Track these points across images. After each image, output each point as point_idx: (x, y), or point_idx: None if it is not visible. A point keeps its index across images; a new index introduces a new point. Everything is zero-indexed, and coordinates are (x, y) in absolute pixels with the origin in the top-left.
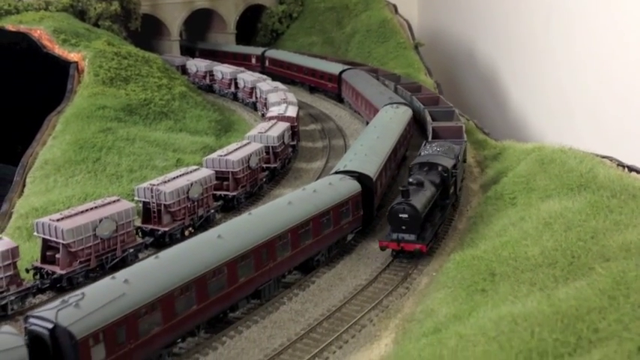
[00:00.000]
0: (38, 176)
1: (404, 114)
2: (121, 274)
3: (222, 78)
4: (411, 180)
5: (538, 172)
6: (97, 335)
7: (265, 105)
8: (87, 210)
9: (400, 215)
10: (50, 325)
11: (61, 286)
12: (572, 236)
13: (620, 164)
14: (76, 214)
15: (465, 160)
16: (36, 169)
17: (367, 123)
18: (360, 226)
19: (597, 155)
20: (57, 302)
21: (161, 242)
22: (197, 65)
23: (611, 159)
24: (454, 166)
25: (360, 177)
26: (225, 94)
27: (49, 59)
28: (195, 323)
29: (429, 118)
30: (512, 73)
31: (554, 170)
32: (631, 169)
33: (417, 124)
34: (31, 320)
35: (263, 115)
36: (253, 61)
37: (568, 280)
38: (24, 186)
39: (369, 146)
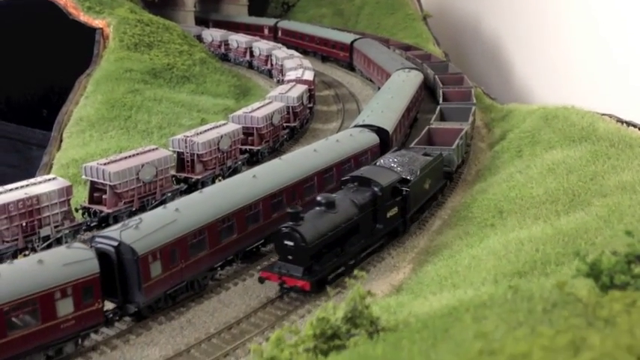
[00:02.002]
0: (74, 132)
1: (415, 77)
2: (172, 205)
3: (238, 47)
4: (319, 199)
5: (542, 127)
6: (155, 253)
7: (281, 71)
8: (130, 156)
9: (285, 242)
10: (115, 243)
11: (108, 224)
12: (573, 178)
13: (619, 120)
14: (120, 159)
15: (474, 122)
16: (71, 125)
17: (379, 88)
18: None
19: (597, 113)
20: (119, 225)
21: (194, 190)
22: (212, 35)
23: (610, 115)
24: (405, 184)
25: (378, 130)
26: (241, 62)
27: (74, 26)
28: (235, 251)
29: (439, 83)
30: (515, 43)
31: (557, 125)
32: (629, 124)
33: (427, 90)
34: (97, 239)
35: (278, 81)
36: (266, 31)
37: (569, 212)
38: (61, 141)
39: (384, 104)
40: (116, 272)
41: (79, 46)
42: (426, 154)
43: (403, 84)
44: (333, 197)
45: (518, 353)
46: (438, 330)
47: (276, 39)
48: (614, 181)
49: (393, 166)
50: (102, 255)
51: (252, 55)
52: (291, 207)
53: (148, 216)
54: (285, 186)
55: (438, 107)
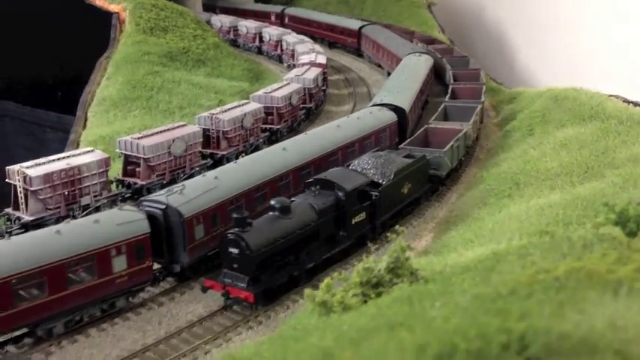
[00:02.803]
0: (99, 111)
1: (426, 61)
2: (211, 173)
3: (247, 32)
4: (272, 203)
5: (552, 107)
6: (198, 217)
7: (292, 56)
8: (162, 131)
9: (230, 250)
10: (163, 206)
11: (141, 196)
12: (585, 152)
13: (625, 100)
14: (153, 134)
15: (479, 121)
16: (95, 105)
17: (388, 73)
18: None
19: (604, 94)
20: (164, 191)
21: (219, 165)
22: (222, 21)
23: (617, 97)
24: (376, 188)
25: (395, 109)
26: (250, 47)
27: (89, 10)
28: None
29: (447, 66)
30: (518, 28)
31: (567, 105)
32: (636, 103)
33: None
34: (145, 203)
35: (289, 66)
36: (273, 18)
37: (584, 182)
38: (86, 119)
39: (399, 85)
40: (163, 234)
41: (93, 30)
42: (409, 156)
43: (415, 67)
44: (288, 202)
45: (573, 269)
46: (483, 270)
47: (283, 26)
48: (625, 154)
49: (366, 167)
50: (150, 218)
51: (261, 40)
52: (237, 212)
53: (190, 183)
54: (312, 159)
55: (442, 105)
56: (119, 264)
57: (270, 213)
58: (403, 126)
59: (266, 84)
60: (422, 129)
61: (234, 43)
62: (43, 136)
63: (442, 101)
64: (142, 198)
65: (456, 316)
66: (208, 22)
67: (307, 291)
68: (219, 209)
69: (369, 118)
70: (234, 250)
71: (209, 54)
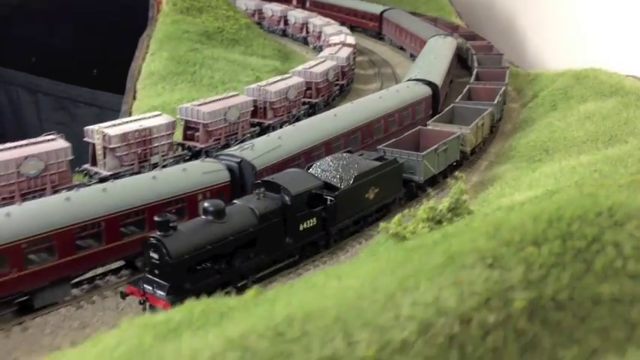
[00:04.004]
0: (147, 84)
1: (451, 43)
2: (274, 134)
3: (272, 15)
4: (206, 205)
5: (574, 84)
6: (267, 169)
7: (318, 38)
8: (218, 99)
9: (151, 254)
10: (238, 160)
11: (199, 158)
12: (608, 123)
13: None
14: (210, 102)
15: (486, 125)
16: (143, 78)
17: (411, 55)
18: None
19: (621, 73)
20: (236, 147)
21: (265, 133)
22: (246, 4)
23: (634, 76)
24: (332, 191)
25: (429, 84)
26: (274, 30)
27: None
28: None
29: (471, 50)
30: (530, 13)
31: (588, 83)
32: None
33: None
34: (221, 157)
35: (314, 47)
36: (294, 2)
37: (608, 148)
38: (135, 92)
39: (429, 63)
40: (237, 184)
41: (127, 10)
42: (380, 159)
43: (441, 48)
44: (222, 205)
45: (633, 180)
46: (544, 198)
47: (304, 9)
48: None
49: (326, 169)
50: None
51: (286, 23)
52: (160, 215)
53: (258, 141)
54: (359, 125)
55: (451, 106)
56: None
57: (203, 216)
58: (436, 100)
59: (294, 63)
60: (416, 129)
61: (257, 26)
62: (75, 111)
63: (466, 82)
64: (218, 153)
65: (553, 201)
66: None
67: (382, 224)
68: (283, 165)
69: (406, 91)
70: (155, 256)
71: (242, 34)
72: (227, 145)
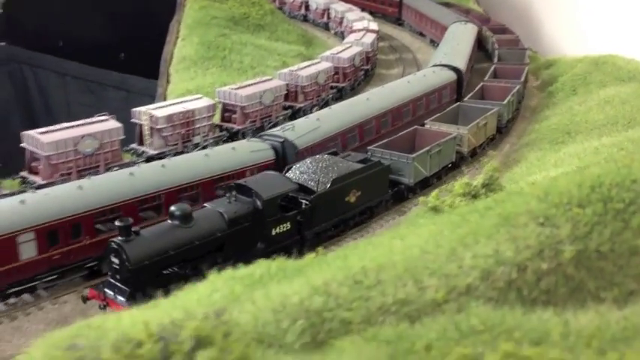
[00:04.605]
0: (180, 68)
1: (472, 29)
2: (313, 116)
3: (294, 1)
4: (172, 209)
5: (593, 70)
6: (308, 149)
7: (340, 24)
8: (254, 83)
9: (112, 259)
10: (281, 140)
11: (237, 139)
12: (627, 107)
13: None
14: (247, 86)
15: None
16: (176, 63)
17: (431, 41)
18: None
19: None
20: (278, 128)
21: (297, 116)
22: None
23: None
24: (309, 195)
25: (454, 69)
26: (295, 15)
27: None
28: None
29: (489, 33)
30: (546, 2)
31: (607, 69)
32: None
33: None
34: (265, 137)
35: (335, 33)
36: None
37: (628, 130)
38: (168, 75)
39: (452, 49)
40: (280, 162)
41: None
42: (364, 161)
43: (463, 34)
44: (189, 209)
45: None
46: (576, 174)
47: None
48: None
49: (304, 172)
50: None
51: (307, 9)
52: (121, 220)
53: (298, 123)
54: (389, 108)
55: (457, 104)
56: None
57: (169, 221)
58: (460, 84)
59: (318, 49)
60: (411, 129)
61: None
62: (103, 94)
63: (487, 65)
64: (262, 133)
65: (591, 171)
66: None
67: (422, 198)
68: (322, 145)
69: (432, 76)
70: (115, 260)
71: (267, 20)
72: (262, 127)
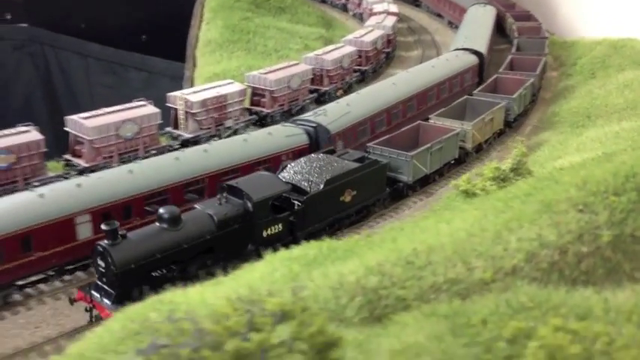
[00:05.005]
0: (206, 52)
1: (491, 11)
2: (343, 100)
3: None
4: (161, 211)
5: (612, 54)
6: (339, 134)
7: (359, 5)
8: (282, 68)
9: (98, 262)
10: (314, 124)
11: (265, 122)
12: None
13: None
14: (275, 70)
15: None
16: (202, 46)
17: (449, 23)
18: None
19: None
20: (311, 113)
21: (321, 99)
22: None
23: None
24: (302, 195)
25: (475, 52)
26: None
27: None
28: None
29: (511, 20)
30: None
31: (626, 52)
32: None
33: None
34: (298, 122)
35: (354, 15)
36: None
37: None
38: (194, 58)
39: (474, 32)
40: (313, 146)
41: None
42: (361, 159)
43: (483, 17)
44: (177, 212)
45: None
46: (604, 160)
47: None
48: None
49: (298, 172)
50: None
51: None
52: (107, 223)
53: (329, 108)
54: (415, 93)
55: (464, 98)
56: None
57: (157, 223)
58: (482, 68)
59: (337, 30)
60: (415, 123)
61: None
62: (125, 75)
63: (504, 47)
64: (295, 118)
65: (623, 161)
66: None
67: (453, 182)
68: (352, 129)
69: (455, 60)
70: (102, 264)
71: (287, 2)
72: (289, 111)
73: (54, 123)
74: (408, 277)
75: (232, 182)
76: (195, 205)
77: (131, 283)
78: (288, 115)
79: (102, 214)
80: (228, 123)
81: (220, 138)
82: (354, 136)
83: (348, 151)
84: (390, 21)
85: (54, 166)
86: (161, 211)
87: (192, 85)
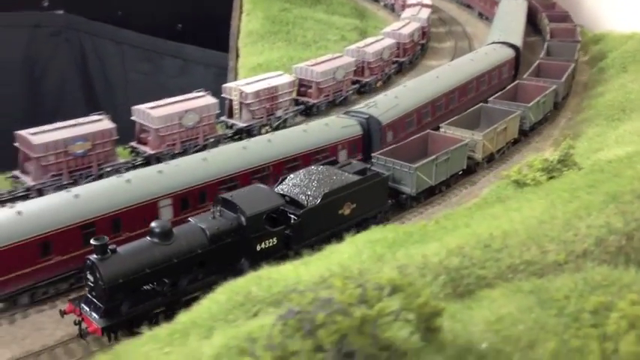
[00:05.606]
0: (248, 42)
1: (522, 4)
2: (391, 92)
3: None
4: (153, 225)
5: None
6: (390, 125)
7: None
8: (327, 60)
9: (88, 276)
10: (366, 116)
11: (311, 112)
12: None
13: None
14: (321, 63)
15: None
16: (244, 37)
17: (479, 13)
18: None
19: None
20: (362, 104)
21: (362, 90)
22: None
23: None
24: (299, 209)
25: (512, 46)
26: None
27: None
28: (431, 127)
29: (545, 22)
30: None
31: None
32: None
33: None
34: (351, 114)
35: (385, 5)
36: None
37: None
38: (237, 49)
39: (508, 26)
40: (366, 136)
41: None
42: (362, 172)
43: (515, 10)
44: (169, 226)
45: None
46: None
47: None
48: None
49: (297, 183)
50: None
51: None
52: (97, 238)
53: (379, 100)
54: (457, 85)
55: (479, 105)
56: (342, 156)
57: (148, 238)
58: (518, 61)
59: (370, 21)
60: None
61: None
62: (159, 62)
63: (534, 39)
64: (348, 110)
65: None
66: None
67: (504, 172)
68: (401, 121)
69: (493, 54)
70: (91, 278)
71: None
72: (333, 101)
73: (89, 109)
74: (487, 258)
75: (227, 195)
76: (189, 219)
77: (120, 297)
78: (332, 105)
79: (181, 198)
80: (279, 113)
81: (271, 127)
82: (402, 127)
83: (350, 162)
84: (425, 13)
85: (122, 153)
86: (153, 225)
87: (236, 75)
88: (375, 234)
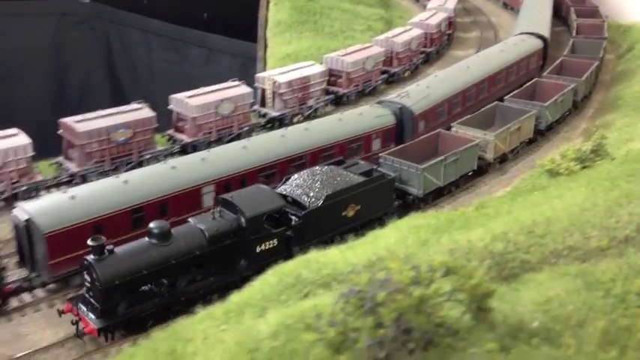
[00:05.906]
0: (276, 32)
1: None
2: (423, 82)
3: None
4: (151, 226)
5: None
6: (422, 115)
7: None
8: (357, 50)
9: (85, 276)
10: (399, 106)
11: (340, 102)
12: None
13: None
14: (353, 52)
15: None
16: (271, 27)
17: (504, 3)
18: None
19: None
20: (394, 95)
21: (390, 80)
22: None
23: None
24: (302, 210)
25: (539, 37)
26: None
27: None
28: (461, 117)
29: (573, 17)
30: None
31: None
32: None
33: None
34: (384, 104)
35: None
36: None
37: None
38: (265, 39)
39: (534, 17)
40: (399, 126)
41: None
42: (368, 172)
43: (541, 1)
44: (167, 227)
45: None
46: None
47: None
48: None
49: (301, 183)
50: None
51: None
52: (94, 239)
53: (411, 90)
54: (487, 76)
55: (494, 104)
56: (375, 145)
57: (146, 239)
58: (545, 50)
59: (396, 10)
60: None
61: None
62: (185, 51)
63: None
64: (381, 100)
65: None
66: None
67: (539, 161)
68: (432, 110)
69: (522, 44)
70: (88, 278)
71: None
72: (363, 91)
73: (114, 97)
74: (531, 243)
75: (227, 196)
76: (189, 220)
77: (116, 298)
78: (362, 95)
79: (224, 185)
80: (310, 102)
81: (302, 116)
82: (434, 117)
83: (357, 162)
84: (452, 3)
85: (160, 140)
86: (151, 225)
87: (265, 65)
88: (418, 220)
